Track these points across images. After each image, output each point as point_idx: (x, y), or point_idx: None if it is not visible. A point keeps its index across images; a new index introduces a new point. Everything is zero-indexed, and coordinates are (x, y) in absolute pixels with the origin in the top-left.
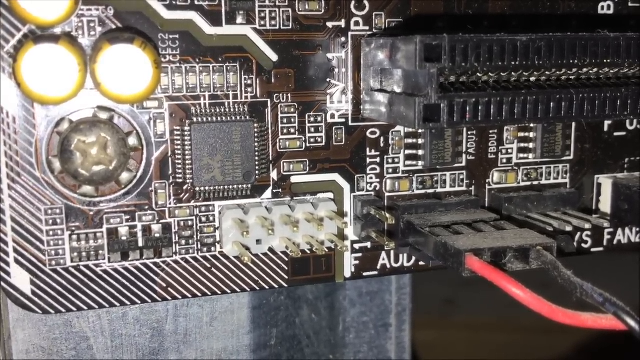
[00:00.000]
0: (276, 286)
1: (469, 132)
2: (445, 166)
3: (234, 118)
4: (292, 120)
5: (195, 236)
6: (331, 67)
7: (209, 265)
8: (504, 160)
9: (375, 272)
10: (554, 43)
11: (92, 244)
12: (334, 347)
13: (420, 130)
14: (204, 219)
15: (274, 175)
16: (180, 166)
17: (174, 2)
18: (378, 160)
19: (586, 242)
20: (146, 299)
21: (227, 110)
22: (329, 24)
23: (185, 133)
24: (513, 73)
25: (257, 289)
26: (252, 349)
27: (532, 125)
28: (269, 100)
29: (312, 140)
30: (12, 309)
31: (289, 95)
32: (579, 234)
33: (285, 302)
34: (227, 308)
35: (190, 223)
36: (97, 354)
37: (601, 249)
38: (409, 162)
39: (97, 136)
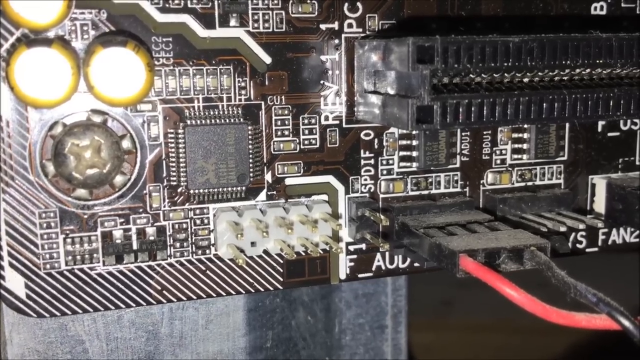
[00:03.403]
0: (271, 288)
1: (463, 134)
2: (439, 167)
3: (227, 120)
4: (286, 122)
5: (189, 239)
6: (325, 69)
7: (203, 268)
8: (498, 161)
9: (370, 274)
10: (546, 44)
11: (86, 247)
12: (329, 349)
13: (413, 132)
14: (198, 222)
15: (268, 177)
16: (174, 169)
17: (167, 5)
18: (372, 161)
19: (581, 243)
20: (141, 302)
21: (221, 112)
22: (322, 26)
23: (179, 136)
24: (506, 74)
25: (252, 291)
26: (247, 351)
27: (525, 126)
28: (262, 102)
29: (306, 142)
30: (7, 313)
31: (283, 97)
32: (573, 234)
33: (280, 305)
34: (223, 310)
35: (184, 226)
36: (93, 357)
37: (596, 249)
38: (403, 164)
39: (90, 139)
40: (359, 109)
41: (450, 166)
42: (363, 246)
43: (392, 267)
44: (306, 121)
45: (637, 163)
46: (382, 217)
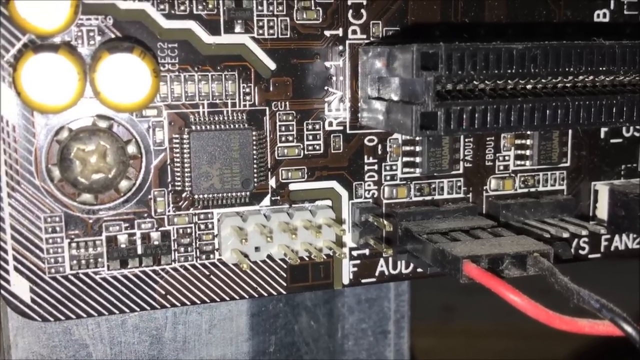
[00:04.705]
0: (275, 293)
1: (466, 140)
2: (442, 173)
3: (232, 126)
4: (290, 128)
5: (194, 244)
6: (329, 75)
7: (207, 273)
8: (501, 168)
9: (374, 279)
10: (549, 51)
11: (91, 251)
12: (332, 354)
13: (417, 138)
14: (202, 227)
15: (272, 182)
16: (179, 174)
17: (172, 12)
18: (376, 167)
19: (583, 249)
20: (145, 306)
21: (226, 118)
22: (327, 33)
23: (184, 141)
24: (509, 81)
25: (256, 296)
26: (250, 356)
27: (528, 132)
28: (267, 108)
29: (310, 147)
30: (11, 317)
31: (287, 103)
32: (576, 240)
33: (284, 309)
34: (226, 315)
35: (189, 230)
36: None
37: (598, 255)
38: (407, 170)
39: (96, 144)
40: (363, 115)
41: (454, 172)
42: (366, 251)
43: (395, 272)
44: (310, 127)
45: None
46: (385, 222)
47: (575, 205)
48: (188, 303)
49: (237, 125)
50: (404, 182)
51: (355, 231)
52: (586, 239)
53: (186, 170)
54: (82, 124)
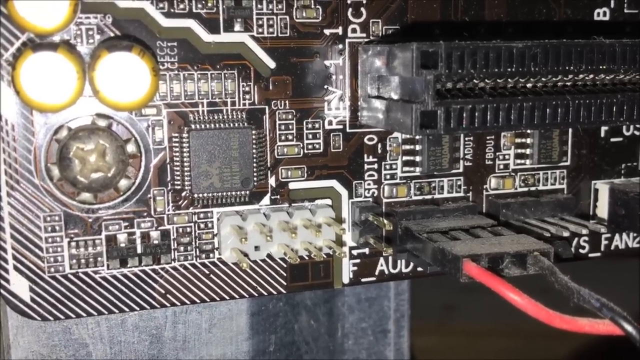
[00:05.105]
0: (275, 292)
1: (466, 138)
2: (442, 172)
3: (232, 125)
4: (290, 126)
5: (193, 243)
6: (328, 74)
7: (207, 272)
8: (501, 166)
9: (374, 278)
10: (549, 50)
11: (90, 250)
12: (332, 353)
13: (417, 137)
14: (202, 226)
15: (272, 181)
16: (178, 173)
17: (172, 10)
18: (376, 166)
19: (583, 248)
20: (145, 305)
21: (225, 117)
22: (327, 31)
23: (184, 140)
24: (509, 79)
25: (256, 295)
26: (250, 355)
27: (528, 131)
28: (266, 107)
29: (309, 146)
30: (11, 316)
31: (287, 102)
32: (576, 239)
33: (283, 309)
34: (226, 314)
35: (188, 230)
36: None
37: (598, 254)
38: (407, 168)
39: (95, 143)
40: (363, 114)
41: (454, 171)
42: (366, 250)
43: (395, 271)
44: (310, 126)
45: None
46: (385, 221)
47: (576, 204)
48: (188, 302)
49: (236, 124)
50: (404, 181)
51: (355, 230)
52: (586, 238)
53: (186, 169)
54: (81, 122)
